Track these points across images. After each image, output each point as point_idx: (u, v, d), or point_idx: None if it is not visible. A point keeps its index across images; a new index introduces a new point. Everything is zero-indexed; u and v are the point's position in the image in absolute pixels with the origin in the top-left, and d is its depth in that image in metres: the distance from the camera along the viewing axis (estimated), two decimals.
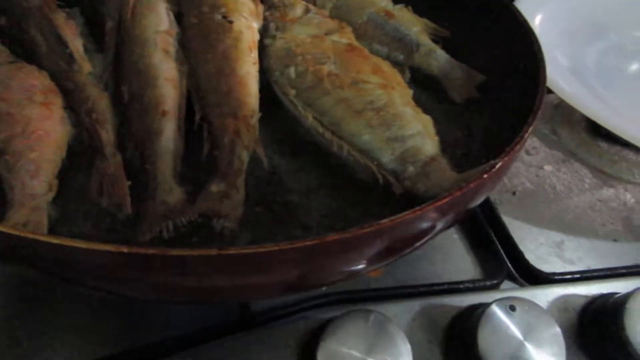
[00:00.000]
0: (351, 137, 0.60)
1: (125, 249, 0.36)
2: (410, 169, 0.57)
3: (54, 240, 0.36)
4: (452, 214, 0.46)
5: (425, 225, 0.44)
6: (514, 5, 0.74)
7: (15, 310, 0.60)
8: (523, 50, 0.67)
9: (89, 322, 0.60)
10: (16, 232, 0.35)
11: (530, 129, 0.51)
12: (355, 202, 0.58)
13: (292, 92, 0.63)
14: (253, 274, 0.40)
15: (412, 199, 0.57)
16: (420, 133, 0.60)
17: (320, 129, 0.61)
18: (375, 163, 0.58)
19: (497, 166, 0.46)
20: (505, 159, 0.47)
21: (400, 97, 0.63)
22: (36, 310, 0.60)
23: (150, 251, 0.36)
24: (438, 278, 0.66)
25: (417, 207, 0.41)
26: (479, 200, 0.50)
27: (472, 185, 0.44)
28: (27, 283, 0.62)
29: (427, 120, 0.62)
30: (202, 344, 0.55)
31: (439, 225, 0.46)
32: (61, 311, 0.60)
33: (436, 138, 0.61)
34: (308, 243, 0.38)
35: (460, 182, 0.50)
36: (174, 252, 0.36)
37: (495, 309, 0.51)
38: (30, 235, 0.36)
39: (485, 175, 0.45)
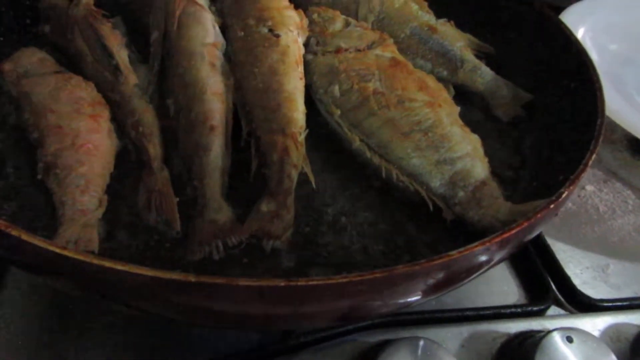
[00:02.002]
0: (399, 160, 0.58)
1: (192, 278, 0.35)
2: (461, 194, 0.56)
3: (119, 267, 0.35)
4: (515, 244, 0.45)
5: (488, 256, 0.43)
6: (562, 22, 0.72)
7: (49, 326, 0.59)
8: (575, 71, 0.65)
9: (122, 340, 0.58)
10: (88, 259, 0.34)
11: (593, 156, 0.49)
12: (403, 221, 0.57)
13: (337, 112, 0.62)
14: (316, 304, 0.39)
15: (461, 223, 0.57)
16: (469, 154, 0.58)
17: (368, 153, 0.60)
18: (425, 187, 0.57)
19: (563, 196, 0.45)
20: (570, 187, 0.46)
21: (447, 115, 0.61)
22: (69, 324, 0.58)
23: (218, 280, 0.35)
24: (482, 301, 0.65)
25: (486, 239, 0.40)
26: (540, 230, 0.49)
27: (538, 216, 0.43)
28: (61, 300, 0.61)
29: (476, 139, 0.61)
30: None
31: (500, 256, 0.45)
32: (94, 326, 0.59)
33: (486, 159, 0.59)
34: (377, 275, 0.36)
35: (516, 214, 0.49)
36: (243, 282, 0.35)
37: (553, 340, 0.50)
38: (96, 261, 0.36)
39: (552, 206, 0.44)
